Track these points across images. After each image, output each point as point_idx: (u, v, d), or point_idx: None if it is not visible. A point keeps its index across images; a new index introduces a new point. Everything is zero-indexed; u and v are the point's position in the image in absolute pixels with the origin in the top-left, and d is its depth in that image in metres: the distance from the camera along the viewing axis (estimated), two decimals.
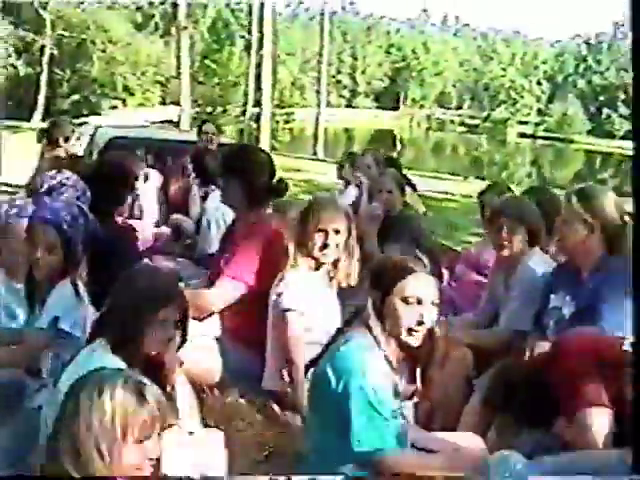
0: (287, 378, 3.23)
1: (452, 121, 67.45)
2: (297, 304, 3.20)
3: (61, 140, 5.32)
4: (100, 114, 31.27)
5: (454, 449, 2.53)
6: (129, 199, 4.46)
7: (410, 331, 2.48)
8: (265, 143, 23.54)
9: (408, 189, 5.31)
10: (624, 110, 61.13)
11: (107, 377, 1.89)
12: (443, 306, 2.71)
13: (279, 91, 40.76)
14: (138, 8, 41.14)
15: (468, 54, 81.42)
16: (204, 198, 5.50)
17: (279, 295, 3.23)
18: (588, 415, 2.41)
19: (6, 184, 7.85)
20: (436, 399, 3.16)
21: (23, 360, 2.99)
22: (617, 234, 3.06)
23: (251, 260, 3.42)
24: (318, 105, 29.06)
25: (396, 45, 78.68)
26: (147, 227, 5.03)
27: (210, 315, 3.44)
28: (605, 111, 67.20)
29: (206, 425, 2.94)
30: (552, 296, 3.24)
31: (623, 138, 52.42)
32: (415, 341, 2.49)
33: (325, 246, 3.25)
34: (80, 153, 6.78)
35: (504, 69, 74.06)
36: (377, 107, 69.33)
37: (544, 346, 2.92)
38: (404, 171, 5.97)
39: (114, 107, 36.59)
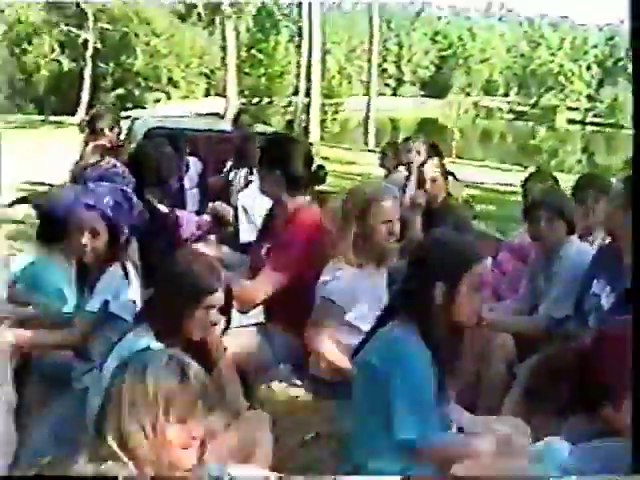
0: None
1: (500, 108, 66.38)
2: (338, 296, 3.19)
3: (106, 129, 5.35)
4: (145, 107, 31.51)
5: (504, 433, 2.50)
6: (171, 187, 4.52)
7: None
8: (315, 134, 23.47)
9: (450, 178, 5.26)
10: None
11: (151, 356, 1.93)
12: (486, 293, 2.70)
13: (327, 81, 40.57)
14: None
15: (514, 40, 79.80)
16: (244, 187, 5.55)
17: (324, 283, 3.24)
18: None
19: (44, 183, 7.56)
20: (478, 385, 3.14)
21: (73, 343, 3.04)
22: None
23: (291, 250, 3.43)
24: (367, 94, 28.69)
25: (442, 32, 77.69)
26: (189, 215, 5.07)
27: (254, 307, 3.47)
28: None
29: (251, 408, 2.99)
30: (594, 281, 3.21)
31: None
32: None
33: (390, 234, 3.26)
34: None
35: (553, 54, 72.50)
36: (422, 96, 68.53)
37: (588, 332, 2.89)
38: (457, 161, 5.90)
39: (158, 100, 36.66)
